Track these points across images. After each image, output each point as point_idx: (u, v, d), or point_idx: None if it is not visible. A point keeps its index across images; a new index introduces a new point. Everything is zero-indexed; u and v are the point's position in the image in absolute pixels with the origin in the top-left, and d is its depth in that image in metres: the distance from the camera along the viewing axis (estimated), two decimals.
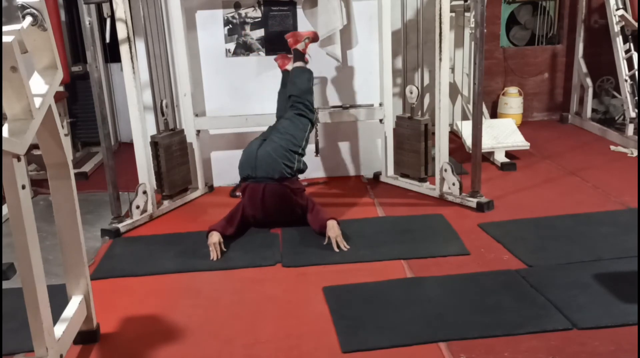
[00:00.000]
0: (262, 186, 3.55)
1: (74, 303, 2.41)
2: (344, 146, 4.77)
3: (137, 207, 3.88)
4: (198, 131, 4.40)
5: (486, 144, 4.70)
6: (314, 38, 4.13)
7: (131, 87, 3.82)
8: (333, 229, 3.41)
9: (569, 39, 6.45)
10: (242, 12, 4.38)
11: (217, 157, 4.64)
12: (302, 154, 3.72)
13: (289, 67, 4.10)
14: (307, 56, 4.06)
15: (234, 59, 4.47)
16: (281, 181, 3.55)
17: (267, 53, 4.46)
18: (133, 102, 3.85)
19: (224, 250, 3.39)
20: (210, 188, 4.60)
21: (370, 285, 2.96)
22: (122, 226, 3.74)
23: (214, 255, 3.31)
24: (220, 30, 4.40)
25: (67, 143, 2.38)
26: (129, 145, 4.24)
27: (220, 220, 3.54)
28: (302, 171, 3.74)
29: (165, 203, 4.17)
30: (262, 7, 4.38)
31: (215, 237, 3.37)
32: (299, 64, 3.98)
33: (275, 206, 3.60)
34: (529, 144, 4.97)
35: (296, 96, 3.81)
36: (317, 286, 2.97)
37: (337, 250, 3.35)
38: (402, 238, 3.52)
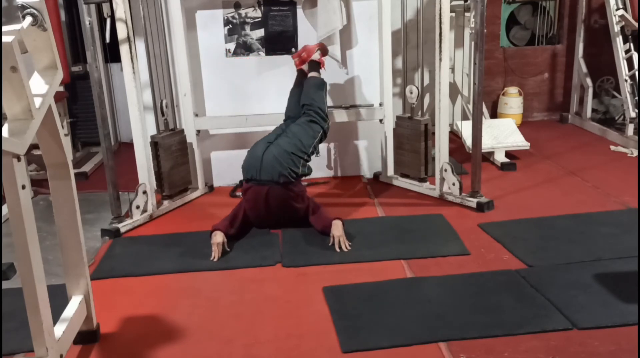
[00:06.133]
0: (265, 189, 3.55)
1: (74, 303, 2.41)
2: (344, 146, 4.77)
3: (137, 207, 3.88)
4: (198, 131, 4.40)
5: (486, 144, 4.70)
6: (324, 49, 4.13)
7: (131, 87, 3.82)
8: (337, 228, 3.41)
9: (569, 39, 6.44)
10: (242, 12, 4.38)
11: (217, 157, 4.64)
12: (308, 160, 3.71)
13: (305, 67, 4.08)
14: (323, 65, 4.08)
15: (234, 59, 4.47)
16: (284, 185, 3.55)
17: (267, 53, 4.46)
18: (133, 102, 3.84)
19: (227, 250, 3.39)
20: (210, 188, 4.60)
21: (370, 285, 2.96)
22: (122, 226, 3.74)
23: (215, 254, 3.31)
24: (220, 30, 4.40)
25: (67, 143, 2.38)
26: (129, 145, 4.24)
27: (222, 220, 3.54)
28: (306, 175, 3.73)
29: (165, 203, 4.17)
30: (262, 7, 4.37)
31: (219, 237, 3.36)
32: (314, 73, 4.00)
33: (277, 209, 3.60)
34: (529, 144, 4.97)
35: (309, 105, 3.83)
36: (317, 286, 2.97)
37: (338, 249, 3.35)
38: (402, 238, 3.52)
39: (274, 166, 3.53)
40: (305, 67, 4.08)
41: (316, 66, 4.03)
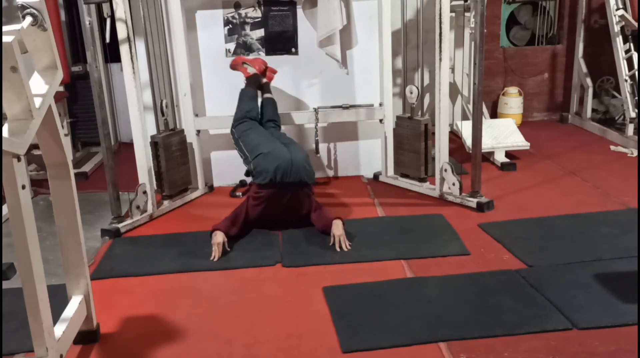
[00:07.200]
0: (290, 192, 3.56)
1: (74, 303, 2.41)
2: (344, 146, 4.77)
3: (137, 207, 3.88)
4: (198, 131, 4.40)
5: (486, 144, 4.70)
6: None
7: (131, 87, 3.82)
8: (337, 227, 3.41)
9: (569, 39, 6.44)
10: (242, 12, 4.38)
11: (217, 157, 4.64)
12: None
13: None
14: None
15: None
16: (309, 187, 3.62)
17: (267, 53, 4.45)
18: (133, 102, 3.84)
19: (228, 249, 3.38)
20: (210, 188, 4.60)
21: (370, 285, 2.96)
22: (122, 226, 3.74)
23: (215, 254, 3.31)
24: (220, 30, 4.40)
25: (67, 143, 2.38)
26: (129, 145, 4.24)
27: (223, 220, 3.53)
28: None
29: (165, 203, 4.17)
30: (262, 7, 4.37)
31: (219, 237, 3.36)
32: (270, 95, 4.24)
33: (288, 212, 3.63)
34: (529, 144, 4.97)
35: (275, 121, 4.12)
36: (317, 286, 2.97)
37: (338, 249, 3.35)
38: (402, 238, 3.52)
39: (305, 168, 3.57)
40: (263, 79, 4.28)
41: (269, 86, 4.29)
